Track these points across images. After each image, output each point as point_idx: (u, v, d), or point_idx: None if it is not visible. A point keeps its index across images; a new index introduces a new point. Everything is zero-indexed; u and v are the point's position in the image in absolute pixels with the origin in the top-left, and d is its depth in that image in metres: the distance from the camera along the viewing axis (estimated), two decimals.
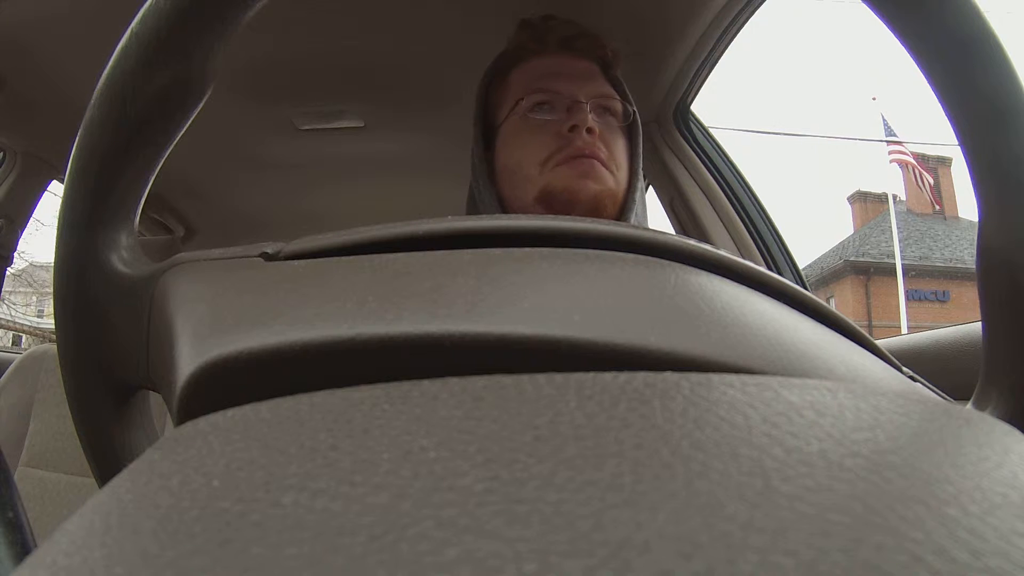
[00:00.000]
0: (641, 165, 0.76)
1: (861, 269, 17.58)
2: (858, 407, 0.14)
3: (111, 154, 0.25)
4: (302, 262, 0.24)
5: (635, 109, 0.76)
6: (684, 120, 1.17)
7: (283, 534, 0.11)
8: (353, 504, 0.11)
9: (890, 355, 0.26)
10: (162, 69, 0.24)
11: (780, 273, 1.06)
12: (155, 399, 0.28)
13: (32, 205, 1.31)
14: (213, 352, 0.19)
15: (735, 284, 0.23)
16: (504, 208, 0.75)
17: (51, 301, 0.28)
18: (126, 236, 0.27)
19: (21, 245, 1.33)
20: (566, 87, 0.73)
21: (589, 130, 0.69)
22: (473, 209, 0.78)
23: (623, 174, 0.73)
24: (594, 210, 0.70)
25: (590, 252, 0.23)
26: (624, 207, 0.73)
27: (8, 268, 1.30)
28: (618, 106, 0.75)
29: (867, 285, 17.51)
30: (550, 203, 0.70)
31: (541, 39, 0.77)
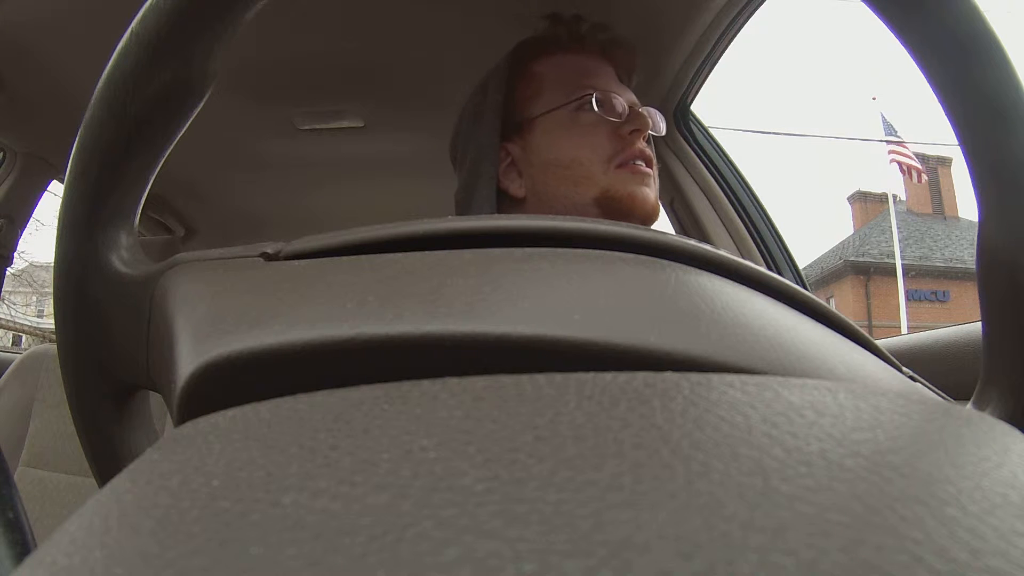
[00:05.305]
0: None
1: (861, 269, 17.57)
2: (858, 407, 0.14)
3: (111, 154, 0.25)
4: (302, 262, 0.24)
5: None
6: (684, 120, 1.17)
7: (283, 534, 0.11)
8: (353, 504, 0.11)
9: (890, 355, 0.26)
10: (162, 69, 0.24)
11: (780, 273, 1.06)
12: (155, 399, 0.28)
13: (32, 205, 1.31)
14: (213, 352, 0.19)
15: (735, 284, 0.23)
16: (520, 206, 0.72)
17: (51, 301, 0.28)
18: (126, 236, 0.27)
19: (21, 245, 1.33)
20: (616, 90, 0.72)
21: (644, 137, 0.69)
22: (467, 200, 0.73)
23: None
24: (648, 218, 0.69)
25: (590, 252, 0.23)
26: None
27: (8, 268, 1.30)
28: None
29: (867, 285, 17.50)
30: (609, 207, 0.68)
31: (579, 38, 0.74)
